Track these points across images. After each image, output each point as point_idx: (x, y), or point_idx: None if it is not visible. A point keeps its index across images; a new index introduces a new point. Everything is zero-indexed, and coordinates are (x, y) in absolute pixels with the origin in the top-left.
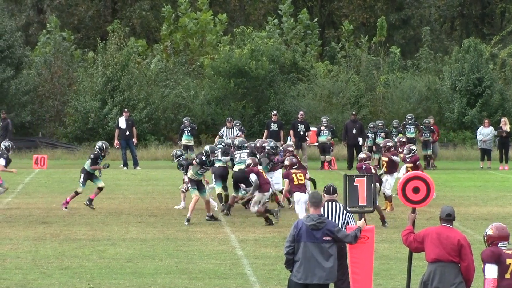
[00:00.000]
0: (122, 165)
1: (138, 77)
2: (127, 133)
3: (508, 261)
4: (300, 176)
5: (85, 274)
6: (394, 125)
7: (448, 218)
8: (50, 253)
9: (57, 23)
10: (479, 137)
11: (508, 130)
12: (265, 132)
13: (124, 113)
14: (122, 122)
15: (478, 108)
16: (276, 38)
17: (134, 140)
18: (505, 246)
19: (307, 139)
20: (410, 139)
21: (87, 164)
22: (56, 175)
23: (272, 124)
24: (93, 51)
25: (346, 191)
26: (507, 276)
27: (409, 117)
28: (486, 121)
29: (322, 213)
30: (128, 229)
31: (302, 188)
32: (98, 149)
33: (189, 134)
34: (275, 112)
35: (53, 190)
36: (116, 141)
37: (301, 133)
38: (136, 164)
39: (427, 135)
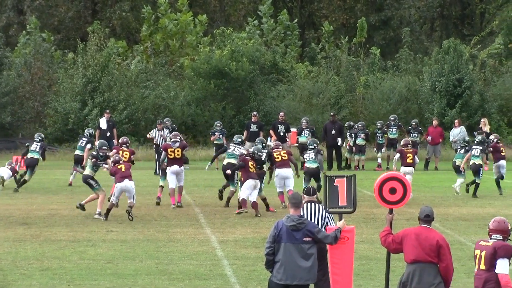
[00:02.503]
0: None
1: (118, 78)
2: (108, 134)
3: (476, 251)
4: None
5: (66, 275)
6: (378, 126)
7: (427, 218)
8: (30, 254)
9: (37, 24)
10: (451, 138)
11: (488, 131)
12: (245, 133)
13: (105, 114)
14: (103, 123)
15: (458, 109)
16: (256, 39)
17: (115, 141)
18: (496, 239)
19: (288, 140)
20: (392, 139)
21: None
22: (36, 176)
23: (252, 125)
24: (73, 52)
25: (326, 192)
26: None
27: (392, 118)
28: (457, 121)
29: (302, 214)
30: (109, 230)
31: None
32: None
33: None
34: (255, 112)
35: (33, 191)
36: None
37: (282, 134)
38: None
39: (415, 135)
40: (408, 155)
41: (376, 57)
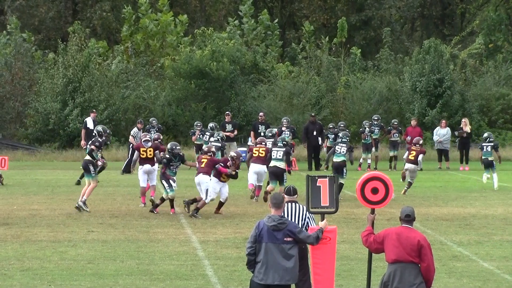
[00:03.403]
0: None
1: (99, 78)
2: (94, 133)
3: None
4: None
5: (46, 276)
6: (366, 126)
7: (408, 218)
8: (11, 255)
9: (18, 24)
10: (435, 137)
11: (469, 131)
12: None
13: (91, 114)
14: (90, 123)
15: (438, 109)
16: (236, 39)
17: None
18: None
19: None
20: (374, 139)
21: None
22: (17, 177)
23: (227, 124)
24: (54, 52)
25: (309, 192)
26: None
27: (376, 118)
28: (443, 121)
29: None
30: (89, 230)
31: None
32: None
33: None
34: (227, 112)
35: (13, 191)
36: (83, 142)
37: (262, 134)
38: None
39: (396, 135)
40: (411, 152)
41: (356, 57)
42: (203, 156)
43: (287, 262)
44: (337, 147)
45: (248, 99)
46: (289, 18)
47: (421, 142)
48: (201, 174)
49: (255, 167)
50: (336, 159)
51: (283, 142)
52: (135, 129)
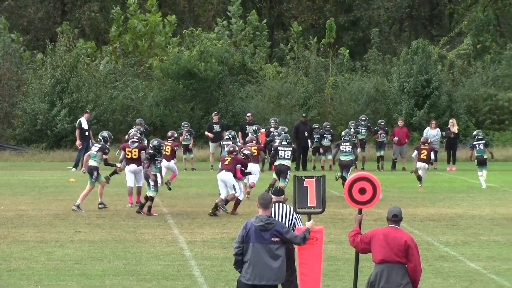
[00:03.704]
0: (71, 166)
1: (87, 79)
2: (86, 134)
3: None
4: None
5: (33, 276)
6: (352, 126)
7: (395, 219)
8: None
9: (6, 24)
10: None
11: (456, 131)
12: (208, 133)
13: (85, 114)
14: (84, 123)
15: (426, 109)
16: (225, 40)
17: (92, 141)
18: None
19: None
20: (360, 140)
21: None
22: (4, 177)
23: (215, 125)
24: (42, 52)
25: (296, 192)
26: None
27: (363, 118)
28: (433, 122)
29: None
30: (76, 230)
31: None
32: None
33: (143, 135)
34: (215, 112)
35: (1, 192)
36: (78, 142)
37: (250, 135)
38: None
39: (382, 136)
40: (422, 151)
41: (344, 57)
42: (226, 156)
43: (274, 262)
44: (341, 146)
45: (236, 99)
46: (278, 18)
47: (429, 141)
48: (223, 171)
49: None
50: (344, 158)
51: (288, 141)
52: (132, 130)
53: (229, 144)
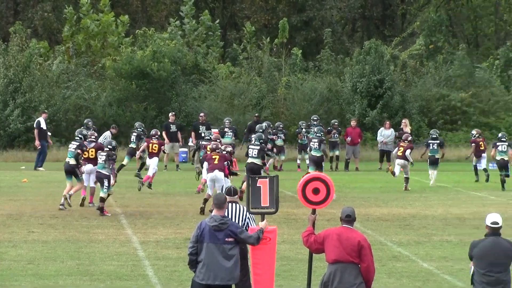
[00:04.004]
0: (24, 167)
1: (39, 79)
2: (46, 133)
3: None
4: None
5: None
6: (303, 126)
7: (348, 219)
8: None
9: None
10: (379, 138)
11: (409, 132)
12: (164, 134)
13: (43, 114)
14: (43, 123)
15: (378, 109)
16: (178, 40)
17: (50, 142)
18: None
19: None
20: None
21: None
22: None
23: (171, 125)
24: None
25: (249, 192)
26: None
27: (315, 118)
28: (387, 122)
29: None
30: (30, 231)
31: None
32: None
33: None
34: (173, 113)
35: None
36: (37, 142)
37: (203, 134)
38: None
39: (335, 136)
40: (400, 148)
41: (297, 57)
42: (212, 154)
43: (228, 262)
44: (311, 143)
45: (189, 99)
46: (231, 18)
47: (409, 138)
48: (216, 170)
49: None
50: (315, 153)
51: (260, 140)
52: (107, 133)
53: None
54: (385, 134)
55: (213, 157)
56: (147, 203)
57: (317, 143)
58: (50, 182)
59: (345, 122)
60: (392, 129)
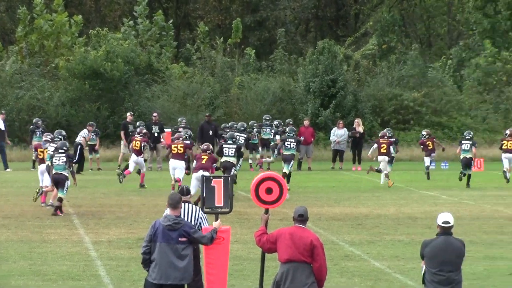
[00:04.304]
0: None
1: None
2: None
3: None
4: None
5: None
6: (255, 126)
7: (301, 218)
8: None
9: None
10: (332, 138)
11: (362, 131)
12: (122, 134)
13: (1, 115)
14: (1, 124)
15: (331, 109)
16: (131, 40)
17: (8, 142)
18: None
19: (162, 140)
20: (265, 140)
21: None
22: None
23: (129, 125)
24: None
25: (203, 192)
26: None
27: (267, 118)
28: (341, 122)
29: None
30: None
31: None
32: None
33: (41, 135)
34: (131, 112)
35: None
36: None
37: (156, 134)
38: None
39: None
40: (382, 145)
41: (251, 57)
42: (202, 154)
43: (181, 262)
44: (286, 142)
45: (142, 99)
46: (184, 18)
47: (388, 134)
48: (201, 170)
49: (173, 163)
50: (287, 152)
51: (233, 139)
52: (85, 131)
53: (187, 143)
54: (338, 133)
55: (202, 157)
56: (99, 203)
57: (294, 143)
58: (2, 182)
59: (297, 122)
60: (345, 129)
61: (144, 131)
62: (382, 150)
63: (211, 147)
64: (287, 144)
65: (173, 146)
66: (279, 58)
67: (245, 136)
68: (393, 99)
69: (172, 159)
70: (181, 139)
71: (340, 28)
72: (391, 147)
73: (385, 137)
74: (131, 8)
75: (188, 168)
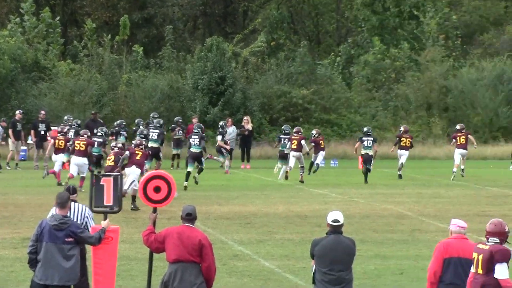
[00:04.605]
0: None
1: None
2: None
3: (473, 254)
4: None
5: None
6: (141, 124)
7: (189, 217)
8: None
9: None
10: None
11: (251, 129)
12: (10, 132)
13: None
14: None
15: (220, 106)
16: (18, 37)
17: None
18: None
19: (49, 138)
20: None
21: None
22: None
23: (18, 123)
24: None
25: (92, 191)
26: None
27: (156, 116)
28: (229, 120)
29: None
30: None
31: None
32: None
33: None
34: (20, 111)
35: None
36: None
37: (42, 132)
38: None
39: (180, 133)
40: (293, 142)
41: (139, 55)
42: (136, 149)
43: (67, 262)
44: (191, 139)
45: (28, 97)
46: (71, 15)
47: (302, 130)
48: (134, 166)
49: (75, 159)
50: (194, 149)
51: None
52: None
53: (100, 140)
54: (227, 131)
55: (136, 152)
56: None
57: (197, 140)
58: None
59: (186, 120)
60: (234, 126)
61: (144, 143)
62: (293, 146)
63: (144, 142)
64: (192, 141)
65: (76, 142)
66: (167, 55)
67: (159, 131)
68: (282, 97)
69: (74, 156)
70: (85, 136)
71: (229, 25)
72: (302, 141)
73: (299, 133)
74: (17, 5)
75: (90, 164)
